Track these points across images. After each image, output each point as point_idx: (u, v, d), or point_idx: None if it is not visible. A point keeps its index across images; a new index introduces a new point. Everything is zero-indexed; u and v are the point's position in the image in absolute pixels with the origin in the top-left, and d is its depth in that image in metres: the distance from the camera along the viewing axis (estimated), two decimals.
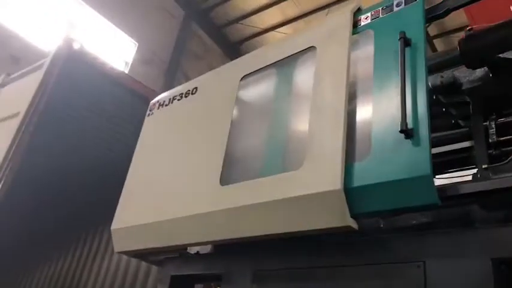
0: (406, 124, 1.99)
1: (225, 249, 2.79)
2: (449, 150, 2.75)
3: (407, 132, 1.99)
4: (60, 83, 5.04)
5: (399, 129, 1.99)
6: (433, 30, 12.67)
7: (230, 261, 2.68)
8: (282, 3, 14.11)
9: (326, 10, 13.72)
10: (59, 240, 5.24)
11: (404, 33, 2.22)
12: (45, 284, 5.05)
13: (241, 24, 14.98)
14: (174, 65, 13.37)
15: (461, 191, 1.97)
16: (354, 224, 2.08)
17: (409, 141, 2.00)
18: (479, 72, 2.55)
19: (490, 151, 2.35)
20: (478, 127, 2.47)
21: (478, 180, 2.12)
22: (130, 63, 12.07)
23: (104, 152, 5.67)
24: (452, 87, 2.62)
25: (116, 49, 11.73)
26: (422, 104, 2.05)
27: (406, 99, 2.07)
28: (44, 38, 9.46)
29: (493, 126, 2.39)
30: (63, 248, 5.14)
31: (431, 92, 2.70)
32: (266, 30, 15.09)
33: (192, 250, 3.15)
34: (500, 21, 2.39)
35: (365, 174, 2.08)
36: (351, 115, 2.30)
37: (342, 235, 2.24)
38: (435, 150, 2.83)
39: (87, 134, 5.60)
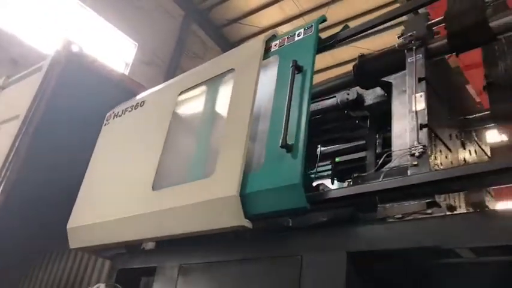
0: (286, 140, 2.37)
1: (163, 245, 3.22)
2: (356, 158, 3.13)
3: (287, 147, 2.38)
4: (59, 85, 5.08)
5: (280, 145, 2.37)
6: None
7: (164, 256, 3.10)
8: (281, 2, 14.29)
9: (325, 8, 13.87)
10: (61, 241, 5.33)
11: (296, 61, 2.60)
12: (48, 284, 5.06)
13: (241, 23, 15.29)
14: (174, 65, 13.74)
15: (325, 196, 2.35)
16: (248, 224, 2.47)
17: (289, 154, 2.39)
18: (377, 91, 2.91)
19: (378, 160, 2.72)
20: (371, 139, 2.84)
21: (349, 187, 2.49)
22: (130, 64, 12.48)
23: None
24: (357, 103, 2.98)
25: (116, 50, 12.11)
26: (303, 124, 2.43)
27: (290, 119, 2.44)
28: (44, 40, 9.77)
29: (381, 138, 2.76)
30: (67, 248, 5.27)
31: (340, 106, 3.08)
32: (265, 30, 15.32)
33: (147, 246, 3.59)
34: (384, 50, 2.75)
35: (256, 182, 2.48)
36: (254, 130, 2.69)
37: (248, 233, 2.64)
38: (347, 157, 3.22)
39: (88, 135, 5.69)
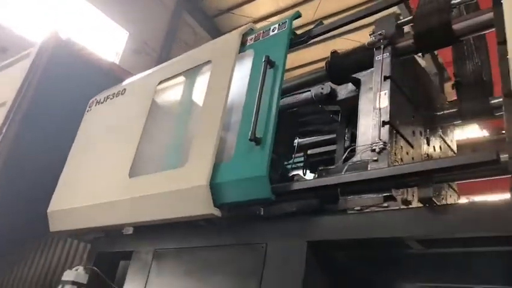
0: (255, 134, 2.46)
1: (140, 231, 3.31)
2: (326, 151, 3.23)
3: (256, 140, 2.47)
4: (47, 72, 5.02)
5: (249, 138, 2.46)
6: None
7: (140, 241, 3.20)
8: None
9: (318, 0, 13.89)
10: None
11: (268, 56, 2.67)
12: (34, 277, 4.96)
13: (233, 13, 15.28)
14: (165, 55, 13.71)
15: (289, 188, 2.45)
16: (217, 212, 2.57)
17: (258, 147, 2.48)
18: (350, 86, 3.00)
19: (346, 154, 2.81)
20: (341, 133, 2.94)
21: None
22: (121, 53, 12.46)
23: None
24: (330, 97, 3.07)
25: (107, 39, 12.10)
26: (272, 118, 2.52)
27: (260, 112, 2.53)
28: (34, 29, 9.79)
29: (350, 133, 2.86)
30: (53, 241, 5.04)
31: (314, 100, 3.16)
32: (258, 20, 15.30)
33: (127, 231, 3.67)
34: (355, 47, 2.84)
35: (226, 172, 2.57)
36: (228, 122, 2.78)
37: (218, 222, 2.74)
38: (318, 150, 3.33)
39: (76, 123, 5.68)
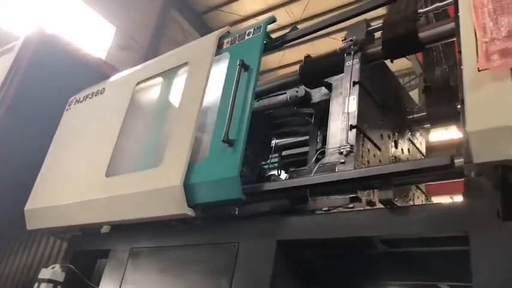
0: (228, 135, 2.53)
1: (117, 229, 3.36)
2: (300, 152, 3.31)
3: (229, 142, 2.53)
4: (32, 67, 4.94)
5: (222, 139, 2.53)
6: None
7: (117, 240, 3.25)
8: None
9: None
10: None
11: (242, 60, 2.74)
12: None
13: (222, 11, 15.29)
14: (152, 51, 13.67)
15: (259, 189, 2.53)
16: (190, 212, 2.63)
17: (230, 149, 2.54)
18: (323, 90, 3.07)
19: (317, 156, 2.90)
20: (313, 135, 3.02)
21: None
22: (108, 49, 12.40)
23: None
24: (305, 100, 3.14)
25: (94, 34, 12.03)
26: (245, 120, 2.59)
27: (233, 115, 2.60)
28: (21, 24, 9.72)
29: (322, 135, 2.94)
30: (35, 239, 4.86)
31: (290, 103, 3.23)
32: (247, 18, 15.34)
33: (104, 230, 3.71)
34: (327, 52, 2.92)
35: (199, 173, 2.63)
36: (204, 123, 2.84)
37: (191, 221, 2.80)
38: (292, 152, 3.41)
39: (60, 118, 5.62)
